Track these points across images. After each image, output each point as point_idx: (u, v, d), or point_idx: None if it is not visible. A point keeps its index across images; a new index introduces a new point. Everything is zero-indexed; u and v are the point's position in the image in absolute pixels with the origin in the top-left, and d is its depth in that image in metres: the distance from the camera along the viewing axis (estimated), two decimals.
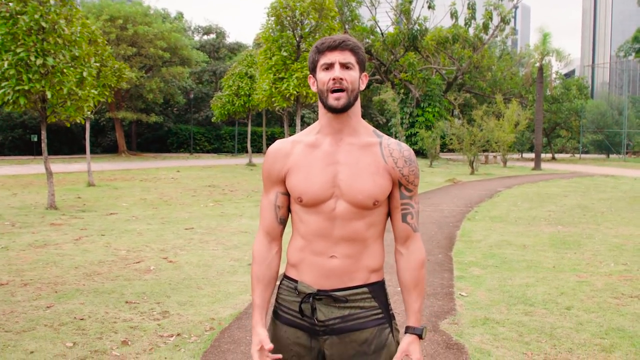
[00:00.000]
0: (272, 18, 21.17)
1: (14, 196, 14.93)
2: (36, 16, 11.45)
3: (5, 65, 11.26)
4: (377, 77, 45.98)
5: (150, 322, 5.00)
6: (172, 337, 4.64)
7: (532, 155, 44.10)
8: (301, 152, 1.97)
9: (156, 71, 44.29)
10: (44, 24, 11.55)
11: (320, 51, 1.91)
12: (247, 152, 37.96)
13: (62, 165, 28.40)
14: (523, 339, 4.64)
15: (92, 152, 31.66)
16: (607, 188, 20.09)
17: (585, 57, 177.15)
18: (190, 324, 4.96)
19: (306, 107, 47.67)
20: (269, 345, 1.89)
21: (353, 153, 1.93)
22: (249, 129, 34.08)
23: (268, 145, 45.55)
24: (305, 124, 44.02)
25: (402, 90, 44.35)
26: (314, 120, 44.48)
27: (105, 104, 38.51)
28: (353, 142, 1.95)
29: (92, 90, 13.14)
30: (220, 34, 61.14)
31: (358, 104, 1.95)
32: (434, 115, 43.63)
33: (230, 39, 64.31)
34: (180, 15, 55.56)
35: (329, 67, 1.89)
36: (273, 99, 21.86)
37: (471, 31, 46.27)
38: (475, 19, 45.30)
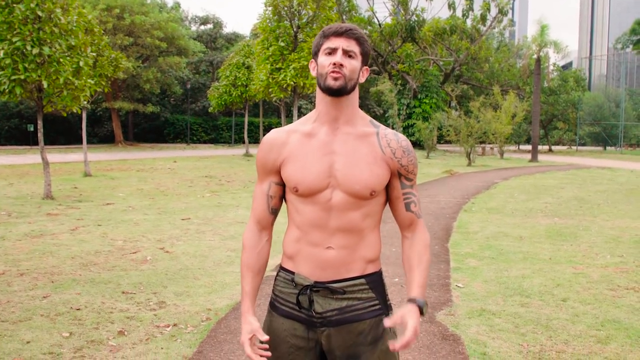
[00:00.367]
0: (270, 8, 21.12)
1: (10, 186, 14.89)
2: (32, 5, 11.37)
3: (1, 55, 11.20)
4: (375, 68, 45.88)
5: (147, 312, 5.00)
6: (168, 327, 4.64)
7: (529, 147, 44.13)
8: (297, 142, 1.95)
9: (153, 61, 44.15)
10: (40, 13, 11.47)
11: (326, 35, 1.89)
12: (244, 142, 37.89)
13: (58, 155, 28.34)
14: (519, 330, 4.65)
15: (88, 142, 31.55)
16: (604, 180, 20.13)
17: (582, 49, 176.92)
18: (187, 314, 4.96)
19: (303, 98, 47.60)
20: (265, 337, 1.87)
21: (350, 143, 1.92)
22: (246, 119, 34.02)
23: (265, 135, 45.37)
24: (302, 115, 43.86)
25: (399, 82, 44.29)
26: (311, 110, 44.07)
27: (102, 94, 38.41)
28: (350, 131, 1.93)
29: (89, 80, 13.07)
30: (218, 24, 60.91)
31: (356, 94, 1.93)
32: (431, 107, 43.62)
33: (227, 29, 64.30)
34: (177, 5, 55.32)
35: (332, 52, 1.87)
36: (270, 90, 21.84)
37: (469, 22, 46.19)
38: (473, 10, 45.23)
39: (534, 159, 34.25)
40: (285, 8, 20.90)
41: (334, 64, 1.84)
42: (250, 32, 50.27)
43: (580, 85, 52.69)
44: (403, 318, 1.81)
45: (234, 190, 15.15)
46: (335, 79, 1.84)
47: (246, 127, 34.03)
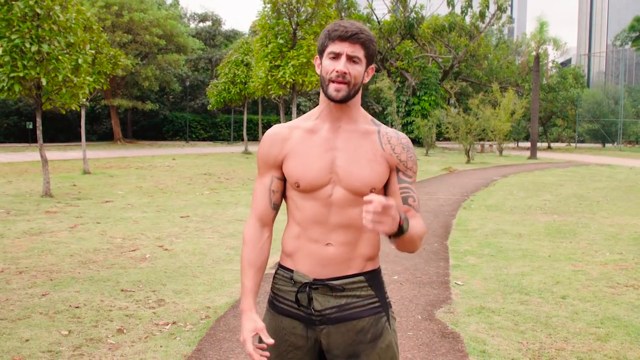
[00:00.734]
0: (269, 5, 21.07)
1: (9, 184, 14.87)
2: (31, 2, 11.35)
3: (0, 52, 11.18)
4: (374, 65, 45.81)
5: (146, 310, 5.00)
6: (167, 325, 4.64)
7: (528, 144, 44.10)
8: (299, 138, 1.95)
9: (152, 58, 44.09)
10: (38, 10, 11.45)
11: (331, 38, 1.86)
12: (242, 140, 37.89)
13: (57, 153, 28.31)
14: (518, 328, 4.65)
15: (87, 139, 31.58)
16: (603, 177, 20.14)
17: (581, 46, 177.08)
18: (186, 312, 4.96)
19: (302, 95, 47.53)
20: (270, 341, 1.85)
21: (351, 140, 1.92)
22: (245, 116, 33.97)
23: (264, 133, 45.38)
24: (301, 112, 43.93)
25: (398, 79, 44.29)
26: (310, 108, 44.47)
27: (101, 92, 38.37)
28: (352, 129, 1.93)
29: (88, 77, 13.04)
30: (216, 22, 60.82)
31: (359, 94, 1.94)
32: (430, 104, 43.61)
33: (226, 27, 64.14)
34: (175, 3, 55.25)
35: (336, 57, 1.85)
36: (269, 87, 21.81)
37: (468, 19, 46.16)
38: (472, 7, 45.17)
39: (533, 156, 34.25)
40: (284, 5, 20.87)
41: (337, 71, 1.83)
42: (249, 29, 50.25)
43: (579, 82, 52.62)
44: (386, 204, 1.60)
45: (233, 187, 15.14)
46: (338, 90, 1.84)
47: (245, 124, 33.98)
